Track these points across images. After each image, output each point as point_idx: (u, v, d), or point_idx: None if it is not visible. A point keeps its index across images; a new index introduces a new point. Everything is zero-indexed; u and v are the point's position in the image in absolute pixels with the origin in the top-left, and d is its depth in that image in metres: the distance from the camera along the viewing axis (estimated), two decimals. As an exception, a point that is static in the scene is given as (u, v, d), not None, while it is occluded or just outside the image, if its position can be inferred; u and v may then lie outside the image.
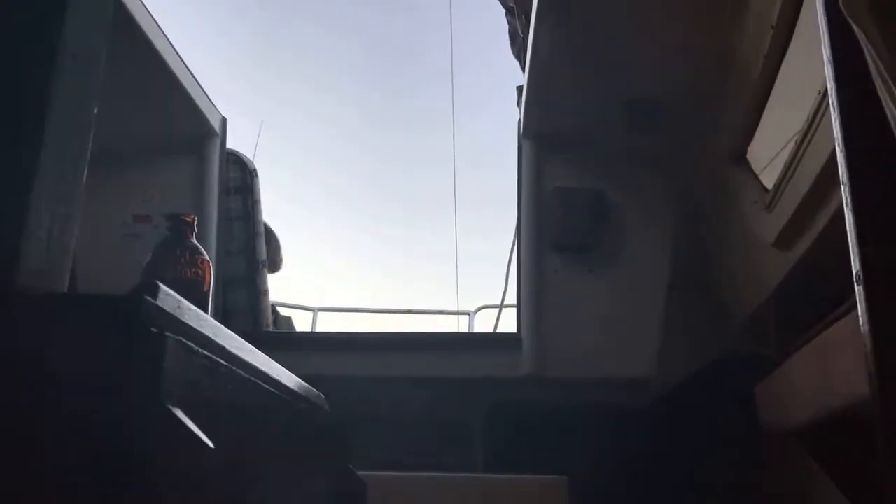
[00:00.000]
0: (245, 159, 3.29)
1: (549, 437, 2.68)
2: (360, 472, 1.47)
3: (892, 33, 0.87)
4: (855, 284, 0.99)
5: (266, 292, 3.22)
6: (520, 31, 3.45)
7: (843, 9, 0.92)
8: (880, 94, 0.91)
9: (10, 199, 0.58)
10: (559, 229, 2.76)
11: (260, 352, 0.98)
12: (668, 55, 2.31)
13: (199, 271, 1.41)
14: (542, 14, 2.26)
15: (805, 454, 1.89)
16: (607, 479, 2.50)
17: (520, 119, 2.91)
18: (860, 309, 0.99)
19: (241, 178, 3.24)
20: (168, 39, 2.42)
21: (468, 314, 6.21)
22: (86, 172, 0.66)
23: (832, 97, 1.06)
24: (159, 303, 0.65)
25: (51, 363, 0.58)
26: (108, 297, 0.62)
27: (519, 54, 3.52)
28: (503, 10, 3.76)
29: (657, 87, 2.47)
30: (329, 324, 5.25)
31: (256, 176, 3.30)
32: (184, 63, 2.57)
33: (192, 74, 2.65)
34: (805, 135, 1.72)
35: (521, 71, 3.44)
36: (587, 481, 2.27)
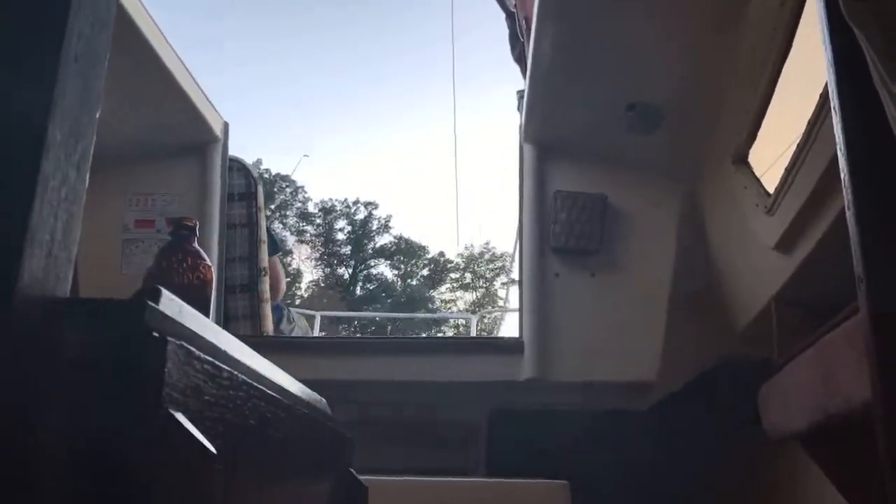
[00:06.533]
0: (249, 167, 3.30)
1: (551, 441, 2.68)
2: (361, 477, 1.47)
3: (892, 37, 0.87)
4: (857, 288, 0.99)
5: (267, 300, 3.22)
6: (520, 35, 3.45)
7: (844, 12, 0.92)
8: (881, 97, 0.91)
9: (12, 204, 0.58)
10: (561, 233, 2.77)
11: (262, 356, 0.98)
12: (670, 59, 2.32)
13: (201, 276, 1.42)
14: (543, 18, 2.26)
15: (807, 458, 1.89)
16: (609, 484, 2.50)
17: (521, 123, 2.92)
18: (862, 312, 0.99)
19: (244, 186, 3.25)
20: (170, 44, 2.42)
21: (470, 318, 6.21)
22: (88, 177, 0.66)
23: (833, 100, 1.06)
24: (161, 307, 0.65)
25: (53, 367, 0.58)
26: (111, 302, 0.62)
27: (519, 58, 3.53)
28: (503, 15, 3.77)
29: (658, 90, 2.48)
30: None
31: (260, 183, 3.31)
32: (186, 68, 2.57)
33: (194, 79, 2.65)
34: (806, 138, 1.72)
35: (521, 75, 3.45)
36: (589, 486, 2.27)
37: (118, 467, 0.58)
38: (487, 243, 33.00)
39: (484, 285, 32.56)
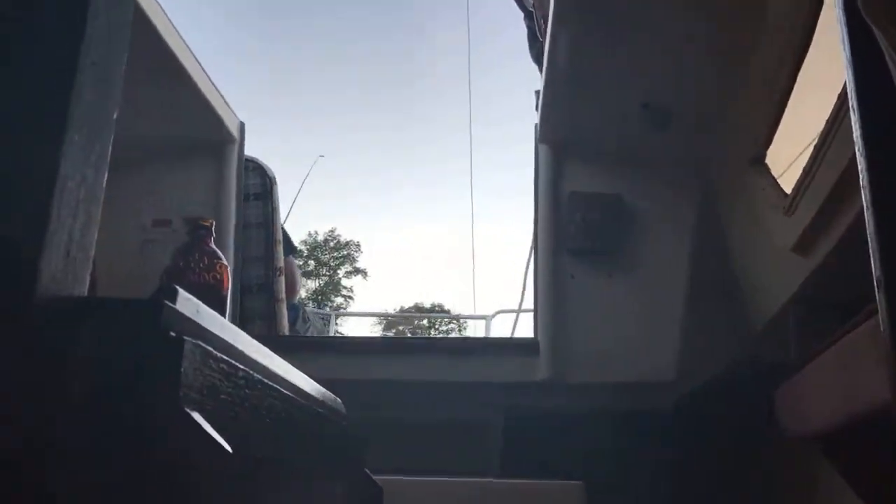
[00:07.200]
0: (265, 166, 3.31)
1: (566, 442, 2.67)
2: (376, 477, 1.48)
3: None
4: (876, 289, 0.98)
5: (283, 300, 3.23)
6: (539, 35, 3.45)
7: (861, 10, 0.91)
8: (901, 96, 0.91)
9: (31, 204, 0.59)
10: (577, 234, 2.76)
11: (278, 356, 0.98)
12: (686, 59, 2.31)
13: (218, 275, 1.43)
14: (559, 18, 2.26)
15: (825, 460, 1.87)
16: (624, 485, 2.49)
17: (537, 123, 2.91)
18: (881, 314, 0.98)
19: (260, 185, 3.26)
20: (187, 45, 2.44)
21: (485, 318, 6.21)
22: (106, 177, 0.67)
23: (852, 100, 1.05)
24: (178, 307, 0.65)
25: (71, 367, 0.59)
26: (128, 302, 0.63)
27: (538, 58, 3.52)
28: (521, 14, 3.76)
29: (675, 90, 2.47)
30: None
31: (276, 183, 3.32)
32: (202, 68, 2.59)
33: (210, 80, 2.67)
34: (825, 138, 1.71)
35: (539, 74, 3.44)
36: (604, 487, 2.26)
37: (135, 466, 0.59)
38: (332, 230, 31.88)
39: (327, 273, 31.66)
